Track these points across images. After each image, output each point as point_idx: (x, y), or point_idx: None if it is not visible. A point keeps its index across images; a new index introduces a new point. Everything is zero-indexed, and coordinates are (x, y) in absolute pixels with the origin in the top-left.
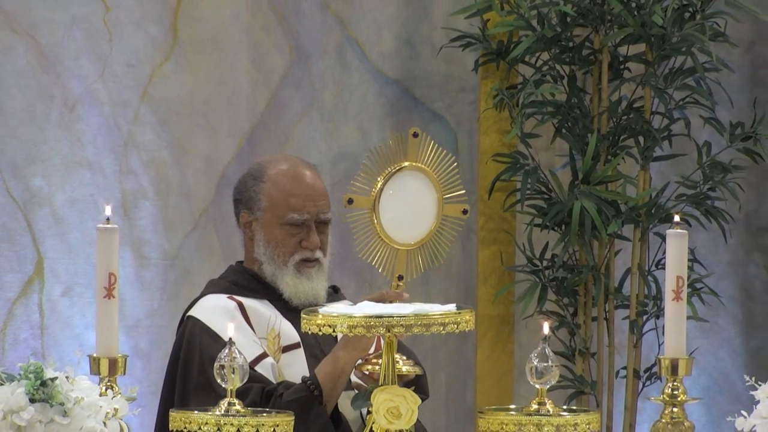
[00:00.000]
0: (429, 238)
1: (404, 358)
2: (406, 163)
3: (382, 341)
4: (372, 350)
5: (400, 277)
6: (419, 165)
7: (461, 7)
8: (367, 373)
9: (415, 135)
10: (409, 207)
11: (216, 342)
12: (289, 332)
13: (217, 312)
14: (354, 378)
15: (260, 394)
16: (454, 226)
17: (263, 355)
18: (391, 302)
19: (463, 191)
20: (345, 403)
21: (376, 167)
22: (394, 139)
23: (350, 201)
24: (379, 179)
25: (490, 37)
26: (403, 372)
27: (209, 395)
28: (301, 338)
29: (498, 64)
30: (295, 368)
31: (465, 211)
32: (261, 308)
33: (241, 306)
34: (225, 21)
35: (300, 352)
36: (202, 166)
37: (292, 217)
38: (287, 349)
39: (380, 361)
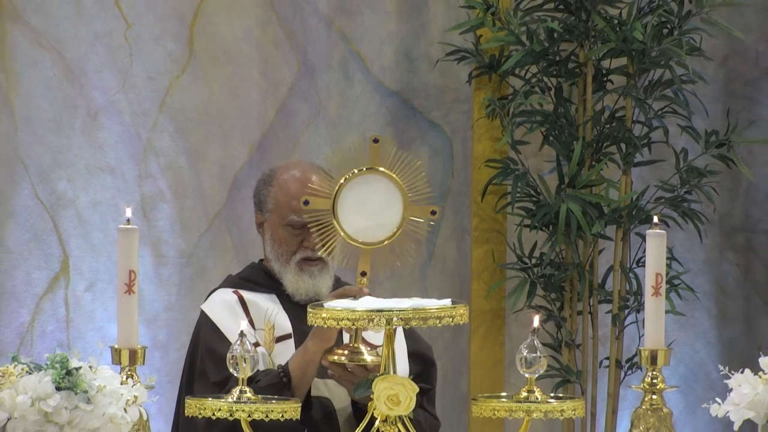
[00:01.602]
0: (394, 238)
1: (368, 348)
2: (367, 167)
3: (346, 334)
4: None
5: (363, 274)
6: (381, 169)
7: (456, 23)
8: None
9: (376, 141)
10: (371, 208)
11: (216, 333)
12: (283, 324)
13: (220, 305)
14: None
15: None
16: (424, 226)
17: (254, 345)
18: (353, 297)
19: (431, 193)
20: (337, 391)
21: (337, 172)
22: (355, 145)
23: (306, 203)
24: (340, 182)
25: (482, 51)
26: (367, 362)
27: (205, 383)
28: (295, 330)
29: (490, 77)
30: (285, 357)
31: (433, 212)
32: (260, 301)
33: (241, 299)
34: (237, 37)
35: (291, 343)
36: (216, 171)
37: (292, 219)
38: (280, 339)
39: (345, 351)
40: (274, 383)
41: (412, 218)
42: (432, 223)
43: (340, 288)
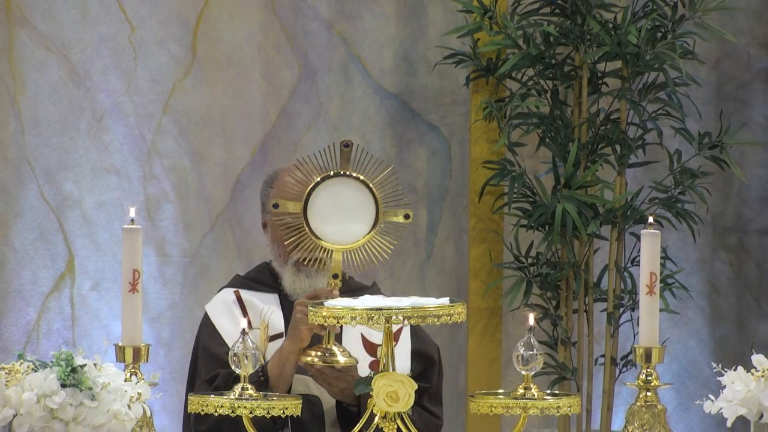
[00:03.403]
0: (366, 241)
1: (342, 349)
2: (337, 172)
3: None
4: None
5: (335, 276)
6: (352, 173)
7: (454, 27)
8: (317, 364)
9: (346, 145)
10: (343, 212)
11: (212, 332)
12: (276, 323)
13: (219, 305)
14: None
15: (226, 379)
16: (398, 229)
17: None
18: (324, 299)
19: (405, 197)
20: (324, 390)
21: (307, 175)
22: (326, 149)
23: (276, 206)
24: (310, 186)
25: (480, 54)
26: (340, 363)
27: (200, 380)
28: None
29: (487, 80)
30: None
31: (407, 216)
32: (257, 301)
33: (239, 299)
34: (239, 40)
35: (282, 342)
36: (219, 172)
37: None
38: (273, 338)
39: (317, 352)
40: (252, 382)
41: (386, 222)
42: (406, 227)
43: (312, 290)
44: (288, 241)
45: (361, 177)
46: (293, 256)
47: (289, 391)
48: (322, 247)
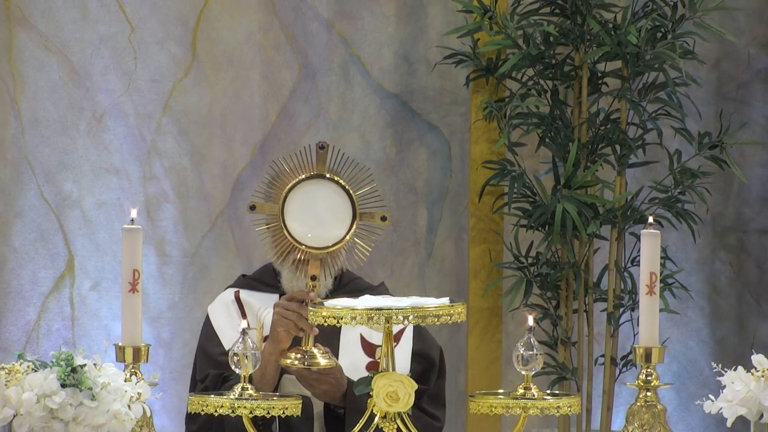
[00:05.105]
0: (344, 243)
1: (321, 351)
2: (313, 174)
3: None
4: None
5: (313, 278)
6: (328, 175)
7: (454, 27)
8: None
9: (322, 147)
10: (319, 214)
11: (210, 332)
12: (270, 323)
13: (219, 306)
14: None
15: (215, 379)
16: (375, 230)
17: None
18: (301, 301)
19: (382, 200)
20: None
21: (283, 177)
22: (301, 150)
23: (252, 207)
24: (286, 187)
25: (480, 54)
26: (321, 365)
27: (194, 380)
28: None
29: (487, 80)
30: None
31: (383, 218)
32: (255, 301)
33: (237, 299)
34: (239, 40)
35: None
36: (219, 171)
37: None
38: (267, 338)
39: (297, 354)
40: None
41: (362, 224)
42: (383, 228)
43: (290, 293)
44: (273, 243)
45: (337, 178)
46: (289, 258)
47: (275, 392)
48: (299, 249)
